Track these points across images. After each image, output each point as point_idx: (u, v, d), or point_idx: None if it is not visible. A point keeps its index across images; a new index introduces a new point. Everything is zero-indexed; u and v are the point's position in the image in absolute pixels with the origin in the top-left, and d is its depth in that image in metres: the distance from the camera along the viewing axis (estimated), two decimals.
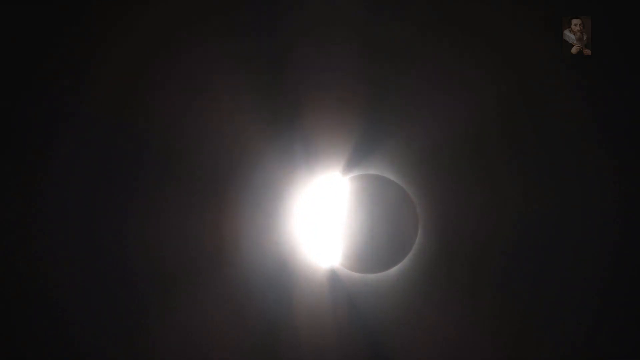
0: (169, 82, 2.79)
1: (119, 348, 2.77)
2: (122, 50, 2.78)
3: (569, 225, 2.77)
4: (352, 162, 3.08)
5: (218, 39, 2.78)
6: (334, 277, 3.05)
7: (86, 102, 2.76)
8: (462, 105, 2.79)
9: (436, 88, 2.82)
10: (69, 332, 2.75)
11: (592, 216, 2.73)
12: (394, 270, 3.07)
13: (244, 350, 2.85)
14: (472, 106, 2.77)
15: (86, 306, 2.76)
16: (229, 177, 2.89)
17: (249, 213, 2.93)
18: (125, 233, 2.80)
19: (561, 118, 2.64)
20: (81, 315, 2.76)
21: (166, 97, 2.79)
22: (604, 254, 2.73)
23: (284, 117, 2.88)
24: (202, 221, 2.86)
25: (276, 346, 2.87)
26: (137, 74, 2.77)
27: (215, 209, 2.88)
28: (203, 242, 2.85)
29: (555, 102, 2.63)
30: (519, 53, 2.59)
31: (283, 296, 2.93)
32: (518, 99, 2.69)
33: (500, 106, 2.75)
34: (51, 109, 2.76)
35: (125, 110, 2.78)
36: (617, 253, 2.70)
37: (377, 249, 3.06)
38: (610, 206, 2.67)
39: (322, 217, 3.11)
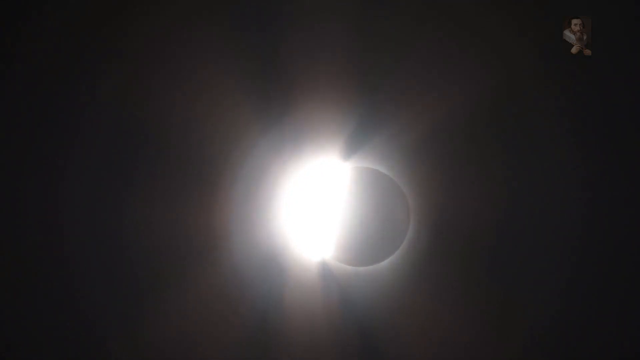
0: (158, 72, 2.75)
1: (107, 340, 2.77)
2: (111, 37, 2.72)
3: (562, 220, 2.78)
4: (344, 154, 3.05)
5: (208, 27, 2.73)
6: (325, 269, 3.05)
7: (75, 92, 2.71)
8: (457, 98, 2.77)
9: (430, 80, 2.80)
10: (55, 324, 2.74)
11: (587, 213, 2.75)
12: (385, 262, 3.08)
13: (235, 343, 2.87)
14: (467, 100, 2.75)
15: (77, 298, 2.76)
16: (220, 169, 2.86)
17: (240, 205, 2.92)
18: (115, 225, 2.78)
19: (560, 118, 2.64)
20: (71, 308, 2.75)
21: (155, 87, 2.75)
22: (597, 249, 2.76)
23: (276, 107, 2.85)
24: (192, 213, 2.84)
25: (268, 339, 2.90)
26: (127, 63, 2.72)
27: (206, 201, 2.85)
28: (193, 234, 2.83)
29: (554, 101, 2.62)
30: (517, 51, 2.58)
31: (274, 289, 2.94)
32: (515, 96, 2.68)
33: (495, 101, 2.74)
34: (43, 99, 2.70)
35: (115, 101, 2.73)
36: (611, 249, 2.72)
37: (368, 242, 3.07)
38: (607, 204, 2.68)
39: (313, 210, 3.11)
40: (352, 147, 3.01)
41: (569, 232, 2.77)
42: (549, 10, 2.48)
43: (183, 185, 2.82)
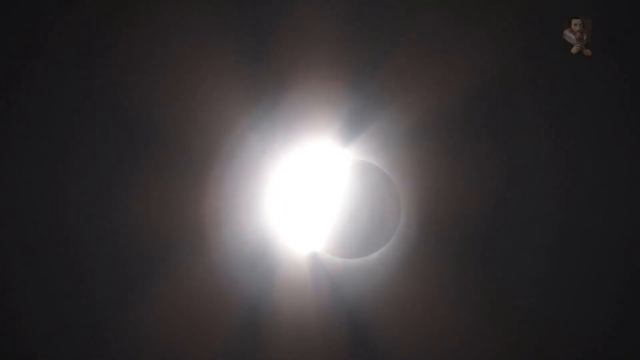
0: (151, 61, 2.72)
1: (99, 328, 2.78)
2: (106, 31, 2.69)
3: (553, 213, 2.79)
4: (335, 147, 3.02)
5: (200, 16, 2.69)
6: (315, 261, 3.05)
7: (70, 84, 2.69)
8: (448, 90, 2.76)
9: (422, 72, 2.78)
10: (51, 313, 2.75)
11: (577, 207, 2.76)
12: (375, 255, 3.09)
13: (225, 334, 2.88)
14: (459, 93, 2.74)
15: (65, 288, 2.76)
16: (210, 161, 2.84)
17: (230, 196, 2.90)
18: (104, 215, 2.77)
19: (555, 114, 2.64)
20: (65, 296, 2.76)
21: (148, 76, 2.72)
22: (586, 240, 2.78)
23: (266, 100, 2.82)
24: (182, 204, 2.82)
25: (258, 330, 2.90)
26: (120, 55, 2.69)
27: (196, 192, 2.84)
28: (183, 225, 2.83)
29: (548, 97, 2.62)
30: (511, 46, 2.56)
31: (264, 280, 2.94)
32: (507, 90, 2.68)
33: (488, 94, 2.73)
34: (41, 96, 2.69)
35: (108, 91, 2.71)
36: (601, 241, 2.75)
37: (359, 234, 3.07)
38: (604, 203, 2.71)
39: (304, 202, 3.09)
40: (344, 139, 2.99)
41: (559, 225, 2.78)
42: (546, 9, 2.47)
43: (173, 176, 2.80)
